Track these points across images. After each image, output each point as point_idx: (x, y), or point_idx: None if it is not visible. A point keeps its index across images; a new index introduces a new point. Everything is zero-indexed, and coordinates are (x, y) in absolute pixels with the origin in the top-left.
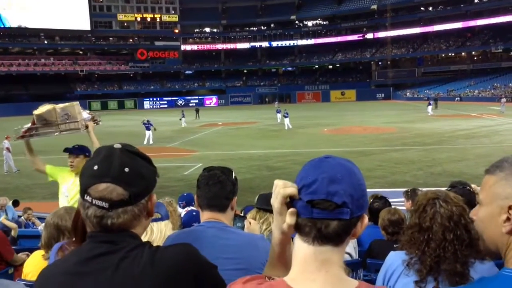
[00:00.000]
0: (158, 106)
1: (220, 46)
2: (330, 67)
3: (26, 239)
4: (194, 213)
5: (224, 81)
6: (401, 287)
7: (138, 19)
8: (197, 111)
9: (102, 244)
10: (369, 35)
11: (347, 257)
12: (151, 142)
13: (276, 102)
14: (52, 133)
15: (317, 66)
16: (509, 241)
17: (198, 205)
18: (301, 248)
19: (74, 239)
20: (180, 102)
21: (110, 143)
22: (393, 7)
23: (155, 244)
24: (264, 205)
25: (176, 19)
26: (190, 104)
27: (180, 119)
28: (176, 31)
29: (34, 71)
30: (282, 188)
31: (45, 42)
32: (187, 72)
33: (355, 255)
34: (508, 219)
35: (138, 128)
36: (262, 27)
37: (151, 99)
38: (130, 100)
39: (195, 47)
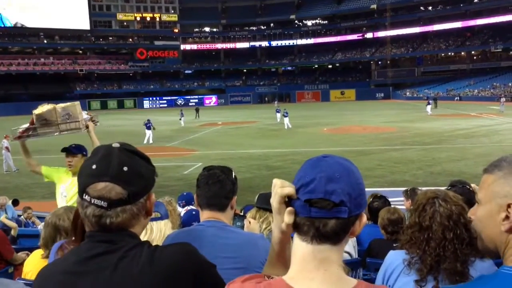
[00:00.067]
0: (157, 106)
1: (219, 46)
2: (330, 66)
3: (26, 238)
4: (193, 212)
5: (223, 80)
6: (401, 286)
7: (138, 18)
8: (197, 110)
9: (101, 244)
10: (369, 35)
11: (347, 256)
12: (151, 141)
13: (276, 102)
14: (51, 133)
15: (316, 66)
16: (508, 239)
17: (197, 204)
18: (299, 247)
19: (73, 238)
20: (179, 101)
21: (110, 142)
22: (393, 6)
23: (154, 243)
24: (264, 204)
25: (176, 19)
26: (190, 104)
27: (180, 119)
28: (176, 30)
29: (33, 70)
30: (279, 188)
31: (45, 41)
32: (186, 71)
33: (355, 254)
34: (507, 217)
35: (138, 128)
36: (262, 27)
37: (150, 98)
38: (129, 99)
39: (194, 46)
